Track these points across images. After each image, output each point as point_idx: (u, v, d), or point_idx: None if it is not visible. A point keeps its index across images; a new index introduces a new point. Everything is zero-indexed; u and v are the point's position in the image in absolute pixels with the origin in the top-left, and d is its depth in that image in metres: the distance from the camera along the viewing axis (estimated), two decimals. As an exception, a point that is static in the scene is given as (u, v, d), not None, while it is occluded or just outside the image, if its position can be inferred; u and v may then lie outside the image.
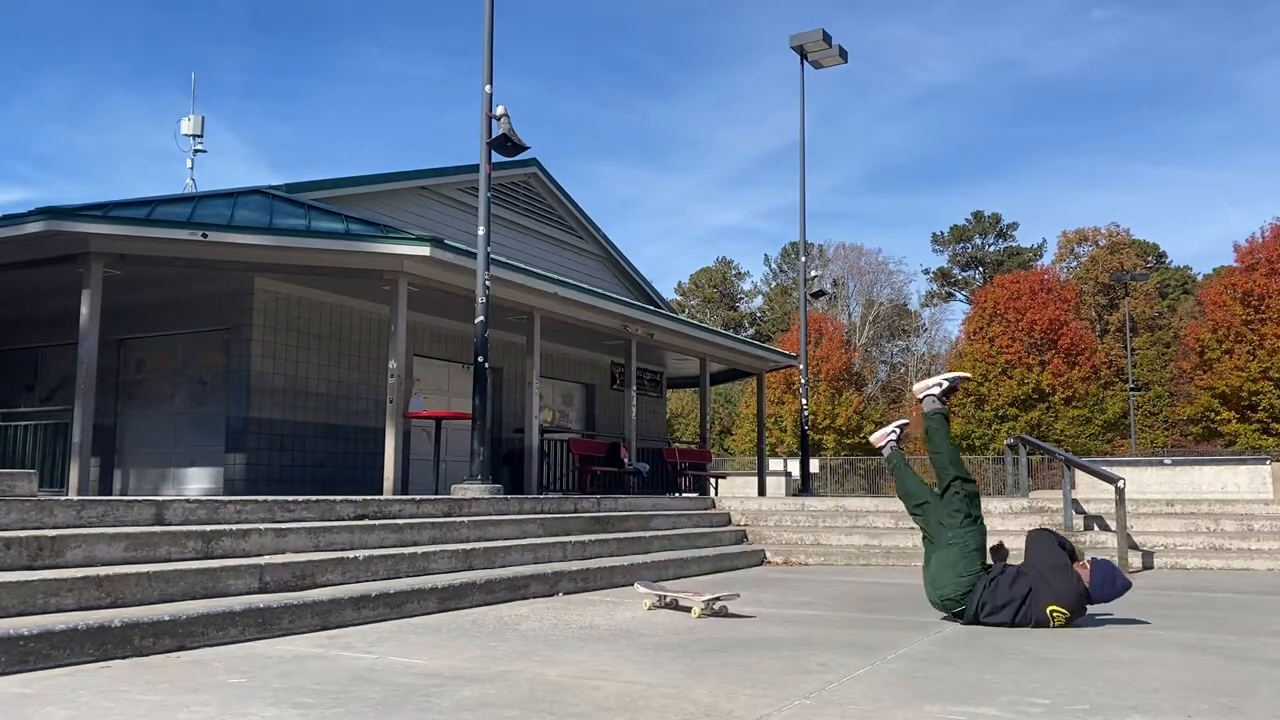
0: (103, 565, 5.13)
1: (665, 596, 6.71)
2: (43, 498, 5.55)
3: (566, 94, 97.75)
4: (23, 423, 12.22)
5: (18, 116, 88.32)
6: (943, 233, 68.11)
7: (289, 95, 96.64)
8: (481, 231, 10.47)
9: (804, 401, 19.77)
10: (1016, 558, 6.16)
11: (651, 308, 17.31)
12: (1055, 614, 5.68)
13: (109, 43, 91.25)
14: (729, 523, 12.37)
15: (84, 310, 10.18)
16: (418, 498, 8.30)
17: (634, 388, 16.10)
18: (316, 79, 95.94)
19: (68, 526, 5.44)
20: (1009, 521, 11.54)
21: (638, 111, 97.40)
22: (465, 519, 8.15)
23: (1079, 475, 13.95)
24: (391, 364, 10.85)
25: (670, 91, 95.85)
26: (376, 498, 7.84)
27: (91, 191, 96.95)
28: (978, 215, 67.42)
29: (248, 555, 5.93)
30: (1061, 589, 5.72)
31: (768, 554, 10.95)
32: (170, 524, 6.01)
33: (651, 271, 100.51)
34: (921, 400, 6.45)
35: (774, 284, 69.93)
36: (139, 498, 6.17)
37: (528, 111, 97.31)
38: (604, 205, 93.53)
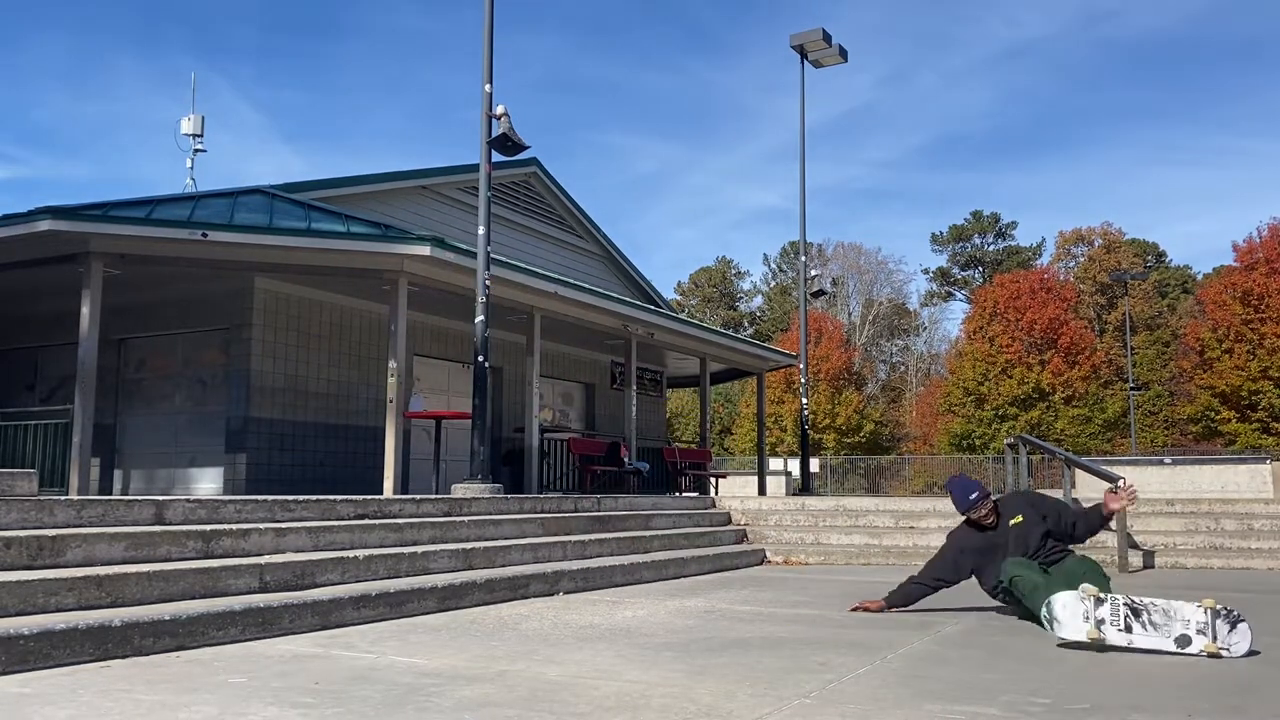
0: (103, 565, 5.12)
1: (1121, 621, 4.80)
2: (43, 497, 5.55)
3: (598, 56, 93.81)
4: (23, 422, 12.22)
5: (13, 82, 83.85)
6: (942, 232, 68.18)
7: (302, 55, 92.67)
8: (481, 231, 10.48)
9: (804, 401, 19.77)
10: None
11: (651, 307, 17.32)
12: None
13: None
14: (729, 522, 12.37)
15: (84, 310, 10.18)
16: (418, 497, 8.31)
17: (634, 387, 16.10)
18: (330, 39, 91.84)
19: (68, 526, 5.44)
20: (1009, 521, 11.54)
21: (683, 74, 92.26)
22: (465, 518, 8.15)
23: (1079, 474, 13.96)
24: (391, 364, 10.86)
25: (723, 53, 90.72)
26: (376, 497, 7.84)
27: (93, 169, 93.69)
28: (976, 214, 67.45)
29: (248, 555, 5.93)
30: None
31: (768, 553, 10.95)
32: (170, 524, 6.01)
33: (666, 260, 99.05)
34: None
35: (773, 283, 69.95)
36: (139, 497, 6.17)
37: (535, 99, 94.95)
38: (628, 180, 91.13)
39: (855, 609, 6.36)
